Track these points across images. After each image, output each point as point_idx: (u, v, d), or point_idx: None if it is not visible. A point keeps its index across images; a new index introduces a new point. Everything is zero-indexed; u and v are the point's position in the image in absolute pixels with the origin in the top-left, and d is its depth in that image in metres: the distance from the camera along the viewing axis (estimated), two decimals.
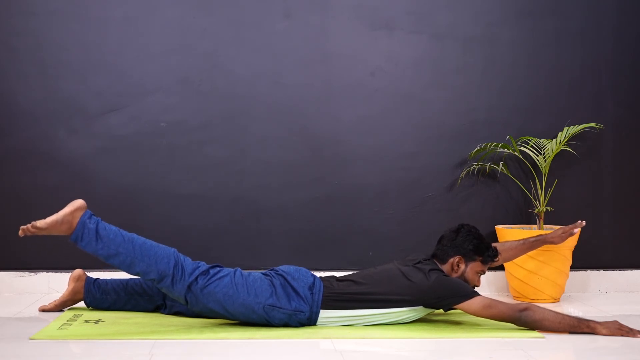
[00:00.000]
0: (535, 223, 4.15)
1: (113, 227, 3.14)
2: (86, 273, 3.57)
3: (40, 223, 3.11)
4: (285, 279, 3.24)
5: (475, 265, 3.38)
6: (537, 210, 4.06)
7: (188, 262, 3.19)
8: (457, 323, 3.36)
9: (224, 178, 4.13)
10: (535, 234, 3.71)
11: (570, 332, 3.12)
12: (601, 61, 4.28)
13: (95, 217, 3.13)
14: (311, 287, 3.24)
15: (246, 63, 4.13)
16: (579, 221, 3.61)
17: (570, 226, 3.60)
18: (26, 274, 4.05)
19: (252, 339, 3.06)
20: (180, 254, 3.20)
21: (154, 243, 3.17)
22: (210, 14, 4.12)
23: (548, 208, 4.10)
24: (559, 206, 4.19)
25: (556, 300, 3.95)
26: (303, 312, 3.21)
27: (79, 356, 2.82)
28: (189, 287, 3.14)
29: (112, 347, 2.92)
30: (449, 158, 4.23)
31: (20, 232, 3.14)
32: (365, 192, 4.20)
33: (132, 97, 4.09)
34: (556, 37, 4.26)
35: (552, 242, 3.63)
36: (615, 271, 4.27)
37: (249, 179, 4.14)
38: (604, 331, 3.11)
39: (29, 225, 3.11)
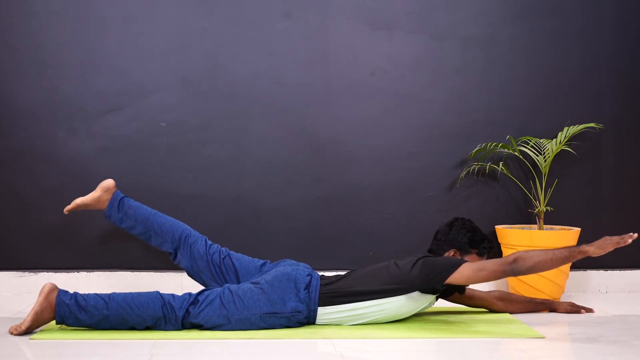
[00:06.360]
0: (535, 223, 4.15)
1: (91, 294, 3.14)
2: (117, 189, 3.69)
3: (24, 323, 3.08)
4: (276, 281, 3.23)
5: (471, 259, 3.40)
6: (537, 210, 4.06)
7: (175, 297, 3.18)
8: (457, 323, 3.37)
9: (224, 178, 4.13)
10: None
11: (565, 263, 3.07)
12: (601, 61, 4.28)
13: (70, 293, 3.12)
14: (307, 286, 3.24)
15: (246, 63, 4.13)
16: (591, 309, 3.65)
17: (581, 307, 3.64)
18: (26, 274, 4.05)
19: (252, 339, 3.06)
20: (164, 293, 3.19)
21: (134, 293, 3.16)
22: (210, 14, 4.12)
23: (548, 208, 4.10)
24: (559, 206, 4.20)
25: (556, 300, 3.95)
26: (300, 312, 3.21)
27: (79, 356, 2.82)
28: (182, 321, 3.14)
29: (112, 347, 2.92)
30: (449, 158, 4.23)
31: (9, 331, 3.12)
32: (365, 192, 4.20)
33: (132, 97, 4.09)
34: (556, 37, 4.26)
35: (555, 310, 3.65)
36: (615, 271, 4.27)
37: (249, 179, 4.15)
38: (597, 251, 3.01)
39: (13, 331, 3.08)
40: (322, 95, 4.17)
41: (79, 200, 3.69)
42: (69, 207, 3.71)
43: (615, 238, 3.01)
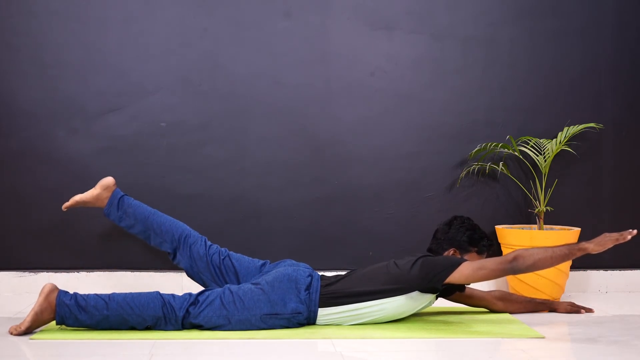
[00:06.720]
0: (535, 223, 4.15)
1: (91, 294, 3.13)
2: (117, 187, 3.67)
3: (24, 323, 3.08)
4: (276, 282, 3.23)
5: (471, 257, 3.40)
6: (537, 210, 4.06)
7: (175, 298, 3.17)
8: (457, 323, 3.37)
9: (223, 178, 4.14)
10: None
11: (565, 260, 3.07)
12: (601, 61, 4.28)
13: (70, 293, 3.12)
14: (308, 287, 3.23)
15: (246, 63, 4.13)
16: (591, 309, 3.65)
17: (581, 307, 3.63)
18: (26, 274, 4.05)
19: (252, 339, 3.06)
20: (164, 293, 3.18)
21: (134, 293, 3.16)
22: (210, 14, 4.12)
23: (548, 208, 4.10)
24: (559, 206, 4.19)
25: (556, 300, 3.95)
26: (301, 314, 3.20)
27: (79, 356, 2.82)
28: (182, 321, 3.14)
29: (112, 347, 2.92)
30: (449, 158, 4.23)
31: (9, 331, 3.12)
32: (365, 192, 4.20)
33: (132, 97, 4.10)
34: (556, 37, 4.26)
35: (555, 310, 3.64)
36: (615, 271, 4.27)
37: (249, 179, 4.15)
38: (596, 248, 3.01)
39: (13, 331, 3.08)
40: (322, 95, 4.18)
41: (77, 197, 3.67)
42: (67, 204, 3.70)
43: (615, 235, 3.01)
